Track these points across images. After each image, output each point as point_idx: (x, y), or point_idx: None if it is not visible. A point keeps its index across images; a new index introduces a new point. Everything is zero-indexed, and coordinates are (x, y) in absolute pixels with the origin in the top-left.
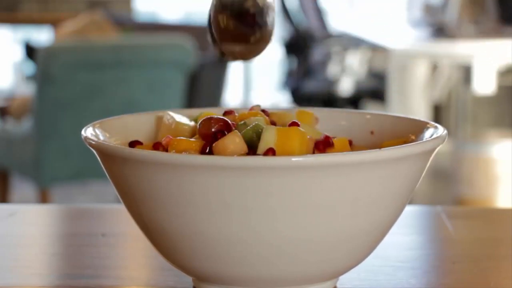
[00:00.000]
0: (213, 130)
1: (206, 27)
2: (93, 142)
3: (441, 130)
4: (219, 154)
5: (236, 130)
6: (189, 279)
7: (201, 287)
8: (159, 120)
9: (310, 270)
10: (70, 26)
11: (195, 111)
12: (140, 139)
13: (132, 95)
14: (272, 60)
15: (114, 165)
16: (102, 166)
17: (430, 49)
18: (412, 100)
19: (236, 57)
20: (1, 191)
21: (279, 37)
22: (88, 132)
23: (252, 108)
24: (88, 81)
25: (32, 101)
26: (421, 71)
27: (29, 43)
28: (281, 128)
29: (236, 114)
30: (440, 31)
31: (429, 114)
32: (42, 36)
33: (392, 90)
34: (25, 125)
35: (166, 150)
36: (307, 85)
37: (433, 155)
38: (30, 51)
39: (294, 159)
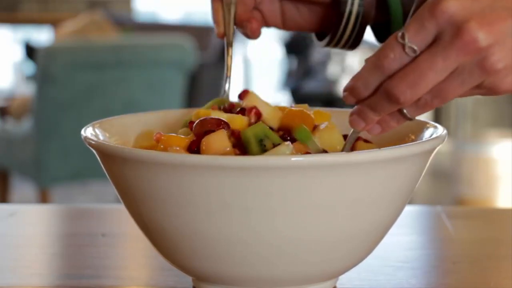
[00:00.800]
0: (204, 129)
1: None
2: (93, 142)
3: (440, 130)
4: (204, 151)
5: (223, 129)
6: (189, 279)
7: (201, 287)
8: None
9: (310, 270)
10: (70, 26)
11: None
12: (140, 139)
13: (132, 95)
14: (272, 60)
15: (114, 165)
16: (102, 166)
17: None
18: None
19: None
20: (1, 191)
21: (279, 37)
22: (88, 132)
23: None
24: (88, 81)
25: (32, 101)
26: None
27: (29, 43)
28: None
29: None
30: None
31: (429, 114)
32: (42, 36)
33: None
34: (25, 125)
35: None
36: (307, 85)
37: (433, 155)
38: (30, 51)
39: (294, 159)
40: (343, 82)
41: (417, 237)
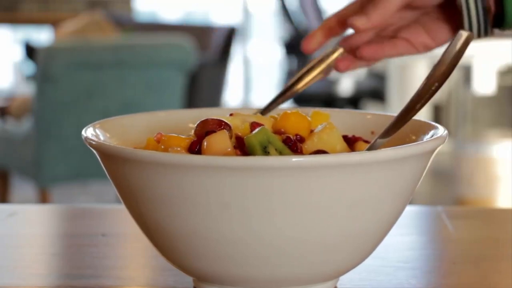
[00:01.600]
0: (205, 129)
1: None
2: (94, 143)
3: (441, 131)
4: (205, 151)
5: (224, 130)
6: (189, 279)
7: (201, 287)
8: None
9: (311, 270)
10: (70, 26)
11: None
12: (140, 139)
13: (132, 95)
14: (272, 60)
15: (114, 165)
16: (102, 166)
17: None
18: None
19: None
20: (1, 191)
21: (279, 37)
22: (88, 132)
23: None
24: (88, 81)
25: (32, 101)
26: (421, 71)
27: (29, 43)
28: None
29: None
30: None
31: (429, 114)
32: (42, 36)
33: (392, 90)
34: (25, 125)
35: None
36: None
37: (433, 155)
38: (30, 51)
39: (294, 159)
40: (343, 82)
41: (417, 237)
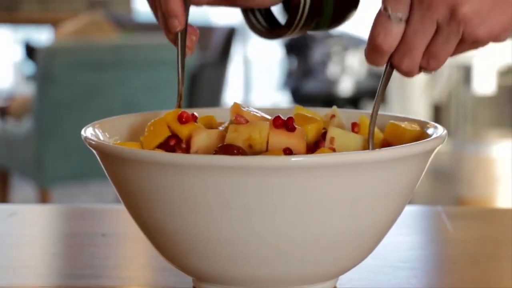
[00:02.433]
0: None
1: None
2: (93, 142)
3: (441, 130)
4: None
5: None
6: (189, 279)
7: (201, 287)
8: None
9: (310, 270)
10: (70, 26)
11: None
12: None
13: (132, 95)
14: (272, 60)
15: (114, 165)
16: (102, 166)
17: None
18: (412, 100)
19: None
20: (1, 191)
21: None
22: (88, 132)
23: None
24: (88, 81)
25: (32, 101)
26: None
27: (29, 43)
28: None
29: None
30: None
31: (429, 114)
32: (42, 36)
33: (392, 90)
34: (25, 125)
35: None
36: (307, 85)
37: (433, 155)
38: (30, 51)
39: (294, 159)
40: (343, 82)
41: (417, 237)
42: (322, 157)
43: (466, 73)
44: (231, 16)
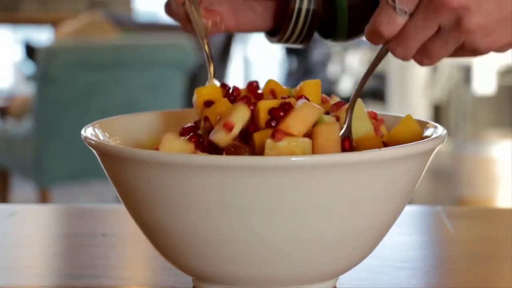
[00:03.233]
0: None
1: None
2: (93, 142)
3: (440, 130)
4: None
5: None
6: (189, 279)
7: (201, 287)
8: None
9: (310, 270)
10: (70, 26)
11: None
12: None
13: (132, 95)
14: (272, 60)
15: (114, 165)
16: (102, 166)
17: None
18: (412, 100)
19: None
20: (1, 191)
21: None
22: (88, 132)
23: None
24: (88, 81)
25: (32, 101)
26: (421, 71)
27: (29, 43)
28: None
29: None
30: None
31: (429, 114)
32: (42, 36)
33: (392, 90)
34: (25, 125)
35: None
36: None
37: (432, 155)
38: (30, 51)
39: (294, 159)
40: (343, 82)
41: (417, 237)
42: (322, 157)
43: (466, 73)
44: None
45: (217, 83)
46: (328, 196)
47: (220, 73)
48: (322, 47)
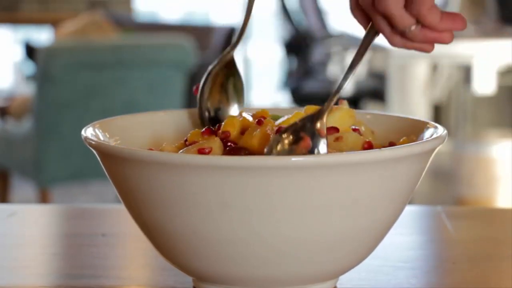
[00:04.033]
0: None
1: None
2: (93, 142)
3: (441, 130)
4: None
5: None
6: (189, 279)
7: (201, 287)
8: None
9: (310, 270)
10: (70, 26)
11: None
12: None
13: (132, 95)
14: (272, 60)
15: (114, 165)
16: (102, 166)
17: None
18: (412, 100)
19: None
20: (1, 191)
21: (279, 37)
22: (88, 132)
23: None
24: (88, 81)
25: (32, 101)
26: (421, 71)
27: (29, 43)
28: None
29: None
30: None
31: (429, 114)
32: (42, 36)
33: (392, 90)
34: (25, 125)
35: None
36: (307, 85)
37: (433, 155)
38: (30, 51)
39: (294, 159)
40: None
41: (417, 237)
42: (322, 157)
43: (466, 73)
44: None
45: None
46: (328, 196)
47: None
48: (322, 47)
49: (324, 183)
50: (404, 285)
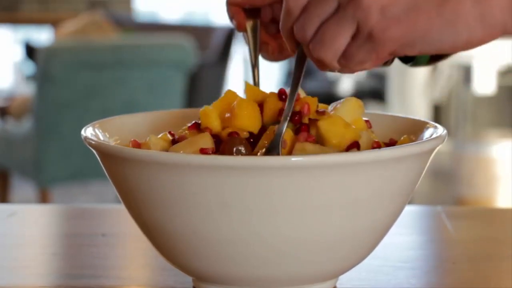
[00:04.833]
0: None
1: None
2: (93, 142)
3: (440, 130)
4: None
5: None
6: (189, 279)
7: (201, 287)
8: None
9: (310, 270)
10: (70, 26)
11: None
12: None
13: (132, 95)
14: None
15: (114, 165)
16: (102, 166)
17: None
18: (412, 100)
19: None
20: (1, 191)
21: None
22: (88, 132)
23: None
24: (88, 81)
25: (32, 101)
26: (421, 71)
27: (29, 43)
28: None
29: None
30: None
31: (429, 114)
32: (42, 36)
33: (392, 90)
34: (25, 125)
35: None
36: (307, 85)
37: (432, 155)
38: (30, 51)
39: (294, 159)
40: (343, 82)
41: (417, 237)
42: (322, 157)
43: (466, 73)
44: None
45: None
46: (328, 196)
47: (220, 73)
48: None
49: (324, 183)
50: (404, 285)
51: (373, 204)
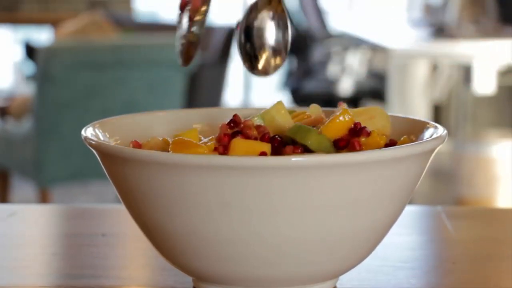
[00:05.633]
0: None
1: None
2: (93, 142)
3: (441, 130)
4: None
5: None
6: (189, 279)
7: (201, 287)
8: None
9: (310, 270)
10: (70, 26)
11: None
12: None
13: (132, 95)
14: None
15: (114, 165)
16: (102, 166)
17: (430, 49)
18: (412, 100)
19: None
20: (1, 191)
21: None
22: (88, 132)
23: None
24: (88, 81)
25: (32, 101)
26: (421, 71)
27: (29, 43)
28: None
29: None
30: (440, 31)
31: (429, 114)
32: (42, 36)
33: (392, 90)
34: (25, 125)
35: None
36: (307, 85)
37: (433, 155)
38: (30, 51)
39: (294, 159)
40: (343, 82)
41: (417, 237)
42: (322, 157)
43: (466, 73)
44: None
45: None
46: (328, 196)
47: (220, 73)
48: (322, 47)
49: (324, 183)
50: (404, 285)
51: (373, 204)
